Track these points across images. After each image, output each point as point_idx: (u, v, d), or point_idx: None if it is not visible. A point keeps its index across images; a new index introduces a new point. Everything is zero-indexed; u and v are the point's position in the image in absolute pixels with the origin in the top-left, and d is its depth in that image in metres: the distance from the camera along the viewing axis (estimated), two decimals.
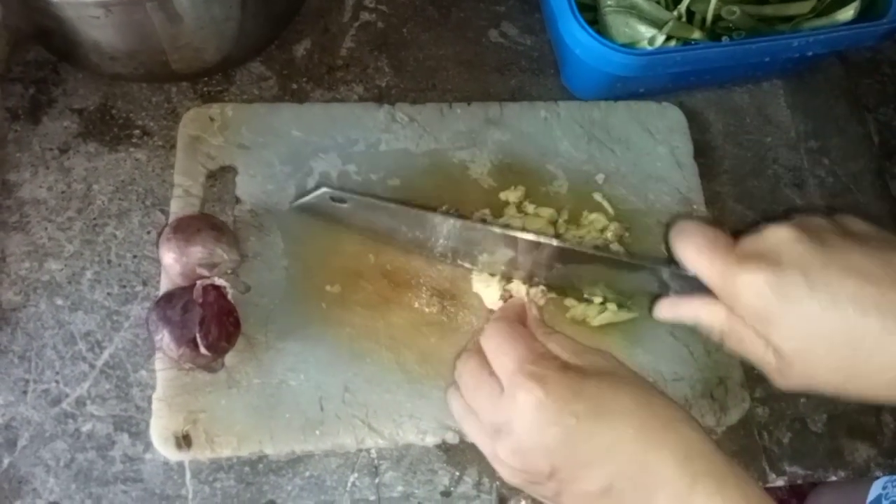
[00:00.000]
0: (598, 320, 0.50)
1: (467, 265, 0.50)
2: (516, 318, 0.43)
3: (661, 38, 0.50)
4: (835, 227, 0.38)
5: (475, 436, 0.40)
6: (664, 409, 0.36)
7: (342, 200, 0.46)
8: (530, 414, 0.36)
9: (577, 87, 0.58)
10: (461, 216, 0.48)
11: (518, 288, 0.49)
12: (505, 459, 0.37)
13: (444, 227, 0.47)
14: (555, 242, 0.45)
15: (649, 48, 0.50)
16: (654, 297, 0.45)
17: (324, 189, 0.47)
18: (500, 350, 0.39)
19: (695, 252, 0.40)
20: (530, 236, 0.45)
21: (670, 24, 0.50)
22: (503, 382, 0.38)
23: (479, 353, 0.41)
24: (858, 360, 0.35)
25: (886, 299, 0.34)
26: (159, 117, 0.53)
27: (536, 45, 0.61)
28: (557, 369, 0.37)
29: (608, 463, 0.35)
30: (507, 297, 0.49)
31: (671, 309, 0.44)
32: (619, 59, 0.49)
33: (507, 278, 0.50)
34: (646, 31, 0.50)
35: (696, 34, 0.51)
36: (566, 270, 0.48)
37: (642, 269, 0.45)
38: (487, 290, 0.49)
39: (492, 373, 0.39)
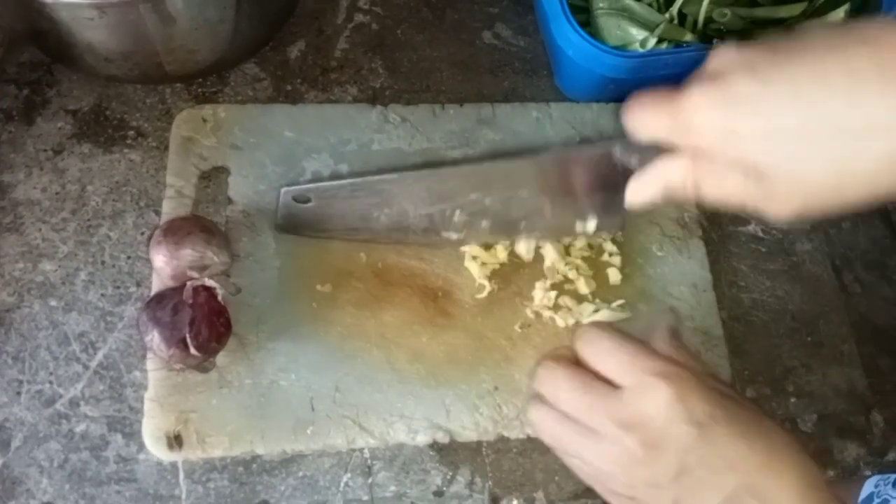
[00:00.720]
0: (589, 319, 0.50)
1: (450, 235, 0.48)
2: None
3: (652, 41, 0.50)
4: (783, 39, 0.34)
5: (575, 441, 0.37)
6: (783, 434, 0.36)
7: (305, 200, 0.46)
8: (666, 409, 0.34)
9: (571, 88, 0.58)
10: (417, 167, 0.48)
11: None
12: (636, 453, 0.35)
13: (404, 187, 0.46)
14: (525, 160, 0.43)
15: (641, 50, 0.50)
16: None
17: (284, 189, 0.46)
18: (617, 350, 0.37)
19: (641, 111, 0.36)
20: (493, 163, 0.44)
21: (662, 26, 0.50)
22: (625, 380, 0.36)
23: (568, 361, 0.38)
24: (843, 143, 0.31)
25: (851, 66, 0.31)
26: (153, 118, 0.53)
27: (530, 47, 0.61)
28: (688, 371, 0.36)
29: (737, 473, 0.34)
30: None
31: (639, 188, 0.40)
32: (612, 61, 0.49)
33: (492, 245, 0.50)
34: (638, 34, 0.50)
35: (688, 36, 0.52)
36: (543, 203, 0.46)
37: (602, 157, 0.41)
38: (475, 265, 0.50)
39: (594, 377, 0.37)
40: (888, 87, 0.30)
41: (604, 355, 0.37)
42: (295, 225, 0.49)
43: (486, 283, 0.50)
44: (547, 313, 0.50)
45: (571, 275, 0.51)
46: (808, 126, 0.32)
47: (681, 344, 0.39)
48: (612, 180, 0.41)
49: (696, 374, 0.36)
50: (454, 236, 0.49)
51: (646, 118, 0.36)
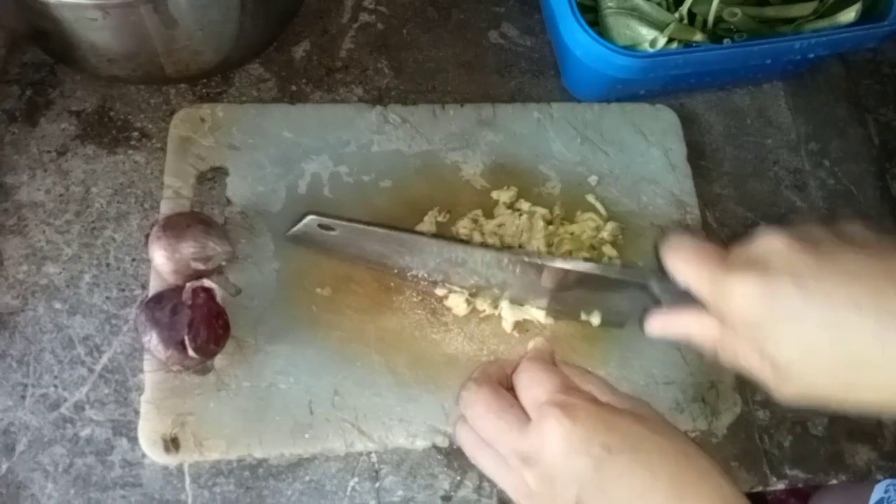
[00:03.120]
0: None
1: (459, 288, 0.49)
2: (549, 359, 0.42)
3: (662, 41, 0.50)
4: (830, 232, 0.37)
5: (491, 468, 0.39)
6: (699, 457, 0.35)
7: (330, 228, 0.46)
8: (558, 442, 0.35)
9: (578, 88, 0.58)
10: (451, 239, 0.48)
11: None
12: (534, 488, 0.36)
13: (434, 251, 0.46)
14: (545, 262, 0.44)
15: (650, 50, 0.50)
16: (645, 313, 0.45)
17: (311, 217, 0.46)
18: (533, 381, 0.38)
19: (685, 262, 0.38)
20: (520, 257, 0.45)
21: (672, 26, 0.50)
22: (531, 413, 0.37)
23: (490, 382, 0.40)
24: (858, 366, 0.34)
25: (883, 301, 0.33)
26: (157, 119, 0.53)
27: (536, 47, 0.61)
28: (589, 401, 0.37)
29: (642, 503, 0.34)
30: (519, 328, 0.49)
31: (662, 324, 0.42)
32: (621, 61, 0.49)
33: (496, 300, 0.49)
34: (647, 34, 0.50)
35: (698, 36, 0.51)
36: (557, 293, 0.47)
37: (633, 285, 0.44)
38: (458, 304, 0.49)
39: (513, 404, 0.38)
40: None
41: (528, 383, 0.39)
42: (308, 241, 0.48)
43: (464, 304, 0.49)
44: (546, 320, 0.50)
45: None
46: (833, 345, 0.33)
47: (575, 367, 0.41)
48: (633, 295, 0.44)
49: (595, 403, 0.36)
50: (464, 293, 0.49)
51: (687, 270, 0.38)
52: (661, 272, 0.40)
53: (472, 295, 0.49)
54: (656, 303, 0.43)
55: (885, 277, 0.33)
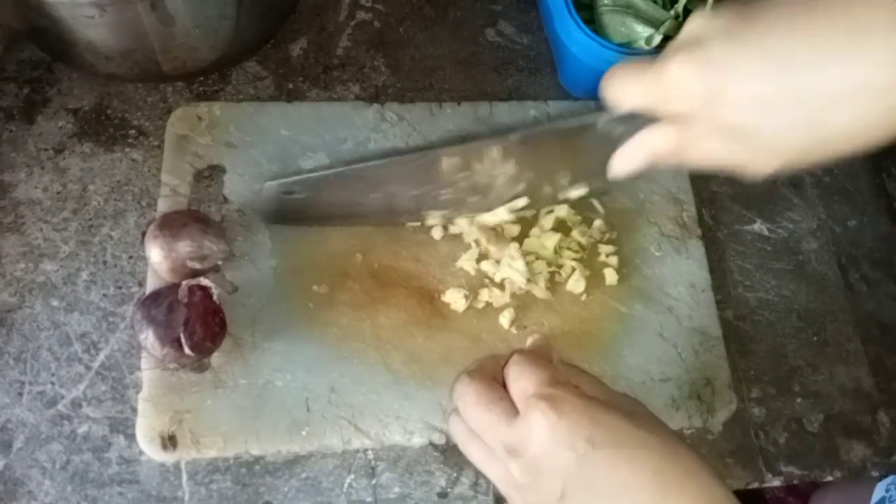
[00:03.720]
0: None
1: (437, 214, 0.48)
2: (547, 355, 0.42)
3: (657, 38, 0.50)
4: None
5: (480, 459, 0.39)
6: (687, 455, 0.35)
7: (291, 192, 0.46)
8: (543, 434, 0.35)
9: (574, 86, 0.58)
10: (399, 151, 0.48)
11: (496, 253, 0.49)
12: (519, 479, 0.36)
13: (390, 172, 0.46)
14: (505, 138, 0.44)
15: (646, 48, 0.50)
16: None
17: (268, 184, 0.46)
18: (522, 375, 0.38)
19: (621, 82, 0.37)
20: (479, 143, 0.44)
21: (667, 23, 0.50)
22: (519, 405, 0.37)
23: (483, 376, 0.40)
24: (818, 103, 0.32)
25: (819, 32, 0.32)
26: (155, 117, 0.53)
27: (533, 44, 0.61)
28: (576, 396, 0.36)
29: (623, 499, 0.34)
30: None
31: (625, 159, 0.41)
32: (616, 58, 0.49)
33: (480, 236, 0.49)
34: (643, 31, 0.50)
35: None
36: (523, 175, 0.46)
37: (586, 129, 0.42)
38: (456, 299, 0.49)
39: (503, 396, 0.38)
40: (858, 52, 0.31)
41: (517, 376, 0.38)
42: (281, 216, 0.48)
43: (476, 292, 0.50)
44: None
45: (565, 271, 0.51)
46: (783, 90, 0.32)
47: (569, 365, 0.41)
48: (596, 149, 0.42)
49: (581, 397, 0.36)
50: (441, 213, 0.49)
51: (626, 88, 0.37)
52: (606, 109, 0.39)
53: (450, 219, 0.49)
54: (610, 142, 0.42)
55: (815, 16, 0.32)
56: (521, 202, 0.49)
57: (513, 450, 0.36)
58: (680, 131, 0.37)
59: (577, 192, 0.48)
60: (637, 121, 0.38)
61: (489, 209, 0.49)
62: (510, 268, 0.49)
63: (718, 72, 0.33)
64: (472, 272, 0.50)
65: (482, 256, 0.50)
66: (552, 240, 0.51)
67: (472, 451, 0.40)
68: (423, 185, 0.47)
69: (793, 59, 0.32)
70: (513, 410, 0.37)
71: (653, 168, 0.40)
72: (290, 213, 0.48)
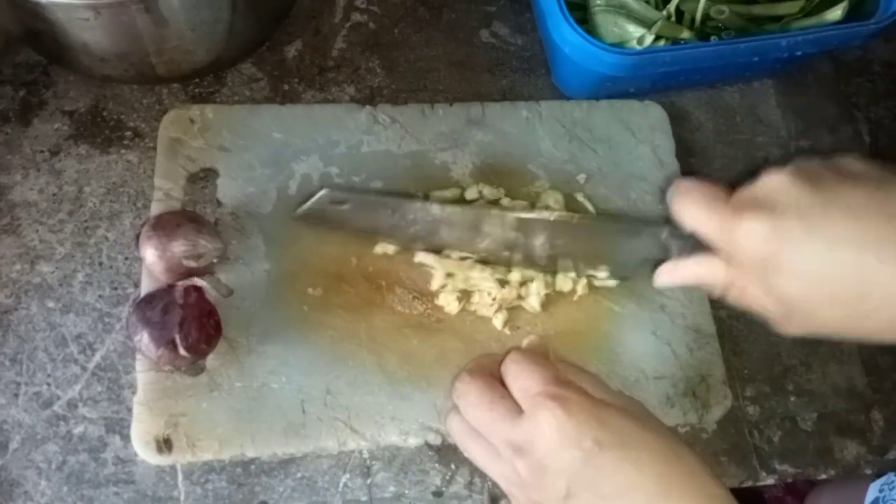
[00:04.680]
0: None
1: (467, 254, 0.49)
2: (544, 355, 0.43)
3: (650, 38, 0.50)
4: (831, 168, 0.37)
5: (482, 458, 0.39)
6: (690, 458, 0.36)
7: (342, 202, 0.47)
8: (551, 433, 0.35)
9: (568, 86, 0.58)
10: (460, 203, 0.49)
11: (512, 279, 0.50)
12: (524, 478, 0.37)
13: (444, 216, 0.47)
14: (553, 216, 0.46)
15: (638, 48, 0.50)
16: (655, 265, 0.44)
17: (324, 190, 0.47)
18: (524, 373, 0.38)
19: (692, 206, 0.39)
20: (532, 214, 0.46)
21: (659, 23, 0.50)
22: (523, 403, 0.38)
23: (483, 374, 0.40)
24: (859, 298, 0.35)
25: (883, 234, 0.34)
26: (150, 119, 0.53)
27: (528, 45, 0.61)
28: (583, 395, 0.37)
29: (626, 500, 0.34)
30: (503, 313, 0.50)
31: (671, 272, 0.43)
32: (609, 58, 0.49)
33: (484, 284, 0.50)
34: (635, 31, 0.50)
35: (686, 34, 0.51)
36: (563, 246, 0.48)
37: (641, 234, 0.45)
38: (449, 302, 0.50)
39: (504, 395, 0.39)
40: None
41: (518, 374, 0.39)
42: (317, 218, 0.48)
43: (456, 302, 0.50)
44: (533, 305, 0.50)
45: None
46: (836, 279, 0.35)
47: (568, 363, 0.41)
48: (641, 245, 0.45)
49: (588, 398, 0.37)
50: (476, 256, 0.50)
51: (694, 213, 0.39)
52: (668, 220, 0.41)
53: (484, 261, 0.49)
54: (662, 253, 0.44)
55: (885, 215, 0.34)
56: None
57: (518, 448, 0.37)
58: (731, 272, 0.39)
59: (602, 274, 0.50)
60: (691, 238, 0.40)
61: (518, 266, 0.50)
62: (485, 282, 0.50)
63: (786, 246, 0.35)
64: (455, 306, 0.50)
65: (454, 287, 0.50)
66: None
67: (473, 450, 0.40)
68: (470, 234, 0.48)
69: (859, 258, 0.34)
70: (515, 408, 0.38)
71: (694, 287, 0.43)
72: (332, 220, 0.48)
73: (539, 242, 0.47)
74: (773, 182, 0.37)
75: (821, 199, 0.35)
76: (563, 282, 0.51)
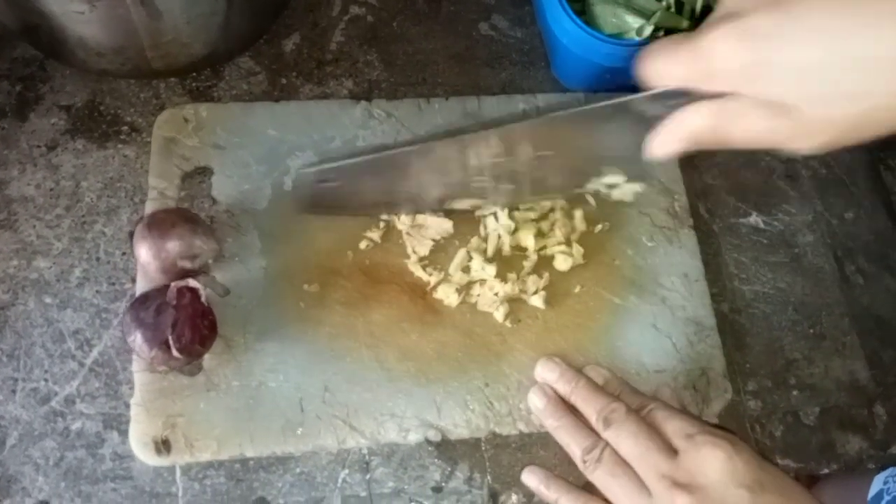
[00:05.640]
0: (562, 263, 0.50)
1: (466, 201, 0.49)
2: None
3: (648, 29, 0.50)
4: None
5: (623, 488, 0.40)
6: (808, 497, 0.39)
7: (326, 180, 0.46)
8: (719, 470, 0.37)
9: (567, 78, 0.58)
10: (436, 138, 0.48)
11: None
12: None
13: (424, 157, 0.46)
14: (540, 120, 0.45)
15: (637, 38, 0.50)
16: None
17: (302, 171, 0.47)
18: (676, 416, 0.41)
19: (655, 58, 0.36)
20: (515, 125, 0.45)
21: (658, 14, 0.49)
22: (680, 442, 0.39)
23: (632, 421, 0.41)
24: (862, 72, 0.31)
25: (873, 9, 0.31)
26: (147, 113, 0.53)
27: (527, 38, 0.60)
28: (732, 435, 0.40)
29: None
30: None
31: (662, 139, 0.39)
32: (607, 49, 0.49)
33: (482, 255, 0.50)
34: (633, 22, 0.50)
35: (685, 24, 0.51)
36: (554, 156, 0.46)
37: (628, 115, 0.41)
38: (448, 294, 0.49)
39: (653, 435, 0.40)
40: None
41: (664, 419, 0.41)
42: (314, 204, 0.48)
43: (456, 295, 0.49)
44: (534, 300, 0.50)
45: (553, 250, 0.51)
46: (832, 59, 0.31)
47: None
48: (630, 132, 0.40)
49: (741, 441, 0.39)
50: (471, 202, 0.49)
51: (663, 65, 0.36)
52: (643, 90, 0.38)
53: (481, 197, 0.49)
54: (649, 126, 0.40)
55: None
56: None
57: (683, 485, 0.38)
58: (720, 108, 0.35)
59: (612, 179, 0.47)
60: (673, 99, 0.37)
61: (520, 199, 0.49)
62: (482, 271, 0.50)
63: (761, 41, 0.32)
64: (422, 275, 0.50)
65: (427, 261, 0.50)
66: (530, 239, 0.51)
67: (616, 483, 0.41)
68: (455, 172, 0.47)
69: (837, 29, 0.31)
70: (668, 446, 0.40)
71: (694, 147, 0.38)
72: (323, 200, 0.48)
73: (527, 157, 0.45)
74: None
75: None
76: (562, 262, 0.50)
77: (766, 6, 0.32)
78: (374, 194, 0.48)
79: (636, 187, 0.48)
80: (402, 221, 0.50)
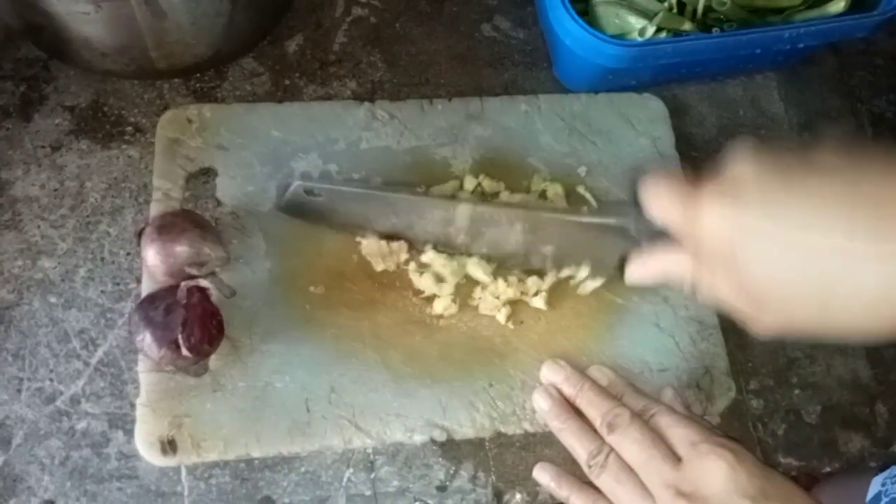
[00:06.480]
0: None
1: (446, 249, 0.49)
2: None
3: (651, 30, 0.50)
4: (801, 160, 0.35)
5: (627, 494, 0.41)
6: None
7: (317, 194, 0.47)
8: (722, 479, 0.37)
9: (570, 79, 0.58)
10: (436, 196, 0.50)
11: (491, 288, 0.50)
12: None
13: (416, 208, 0.48)
14: (530, 211, 0.46)
15: (640, 39, 0.50)
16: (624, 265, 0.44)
17: (297, 183, 0.47)
18: (682, 422, 0.41)
19: (659, 198, 0.38)
20: (499, 208, 0.47)
21: (661, 15, 0.50)
22: (684, 450, 0.40)
23: (635, 427, 0.42)
24: (831, 286, 0.33)
25: (851, 220, 0.32)
26: (151, 114, 0.53)
27: (529, 39, 0.61)
28: (737, 444, 0.39)
29: None
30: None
31: (640, 268, 0.42)
32: (610, 50, 0.49)
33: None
34: (636, 23, 0.50)
35: (687, 25, 0.51)
36: (534, 241, 0.48)
37: (612, 229, 0.44)
38: (445, 305, 0.50)
39: (657, 442, 0.41)
40: (882, 243, 0.31)
41: (674, 425, 0.41)
42: (301, 211, 0.49)
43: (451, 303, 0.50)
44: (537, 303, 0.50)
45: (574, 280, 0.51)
46: (805, 267, 0.33)
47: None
48: (614, 243, 0.44)
49: (746, 450, 0.39)
50: (451, 250, 0.50)
51: (661, 205, 0.38)
52: (639, 211, 0.40)
53: (459, 253, 0.49)
54: (635, 245, 0.43)
55: (853, 201, 0.32)
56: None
57: (681, 492, 0.38)
58: (696, 264, 0.38)
59: (583, 271, 0.49)
60: (663, 235, 0.39)
61: (497, 264, 0.50)
62: (477, 270, 0.50)
63: (746, 234, 0.34)
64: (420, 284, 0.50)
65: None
66: None
67: (619, 488, 0.41)
68: (444, 228, 0.48)
69: (819, 245, 0.32)
70: (672, 454, 0.40)
71: (664, 284, 0.42)
72: (309, 211, 0.49)
73: (516, 237, 0.47)
74: (738, 170, 0.35)
75: (785, 187, 0.34)
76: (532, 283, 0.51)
77: (759, 193, 0.34)
78: (358, 219, 0.49)
79: (596, 283, 0.50)
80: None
